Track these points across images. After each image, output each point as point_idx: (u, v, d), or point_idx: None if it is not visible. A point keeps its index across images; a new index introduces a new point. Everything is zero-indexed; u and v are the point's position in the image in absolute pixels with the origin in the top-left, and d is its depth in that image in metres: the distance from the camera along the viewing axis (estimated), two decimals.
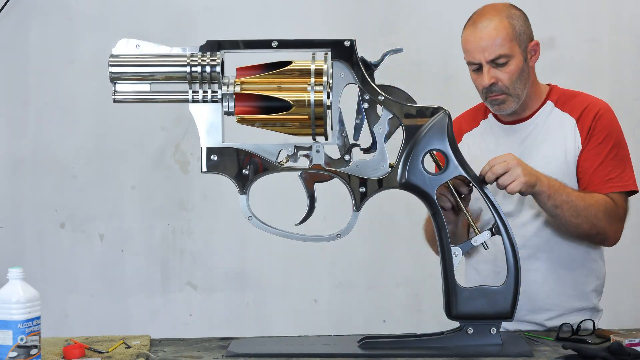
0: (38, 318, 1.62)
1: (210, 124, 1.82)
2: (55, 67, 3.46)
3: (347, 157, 1.83)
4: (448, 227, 1.87)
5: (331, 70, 1.81)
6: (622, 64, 3.50)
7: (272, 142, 1.84)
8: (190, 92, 1.82)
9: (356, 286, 3.52)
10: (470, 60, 2.14)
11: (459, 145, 2.22)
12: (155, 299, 3.50)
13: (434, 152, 1.85)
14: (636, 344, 1.77)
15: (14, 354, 1.58)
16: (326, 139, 1.84)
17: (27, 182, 3.47)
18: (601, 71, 3.49)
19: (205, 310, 3.51)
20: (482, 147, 2.23)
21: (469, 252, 2.26)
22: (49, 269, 3.45)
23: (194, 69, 1.80)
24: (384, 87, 1.84)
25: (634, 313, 3.43)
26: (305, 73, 1.80)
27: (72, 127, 3.47)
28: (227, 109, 1.81)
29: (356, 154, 1.84)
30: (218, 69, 1.80)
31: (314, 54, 1.82)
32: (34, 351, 1.61)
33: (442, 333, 1.87)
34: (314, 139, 1.83)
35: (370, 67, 1.83)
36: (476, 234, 1.87)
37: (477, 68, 2.14)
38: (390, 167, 1.84)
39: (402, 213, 3.37)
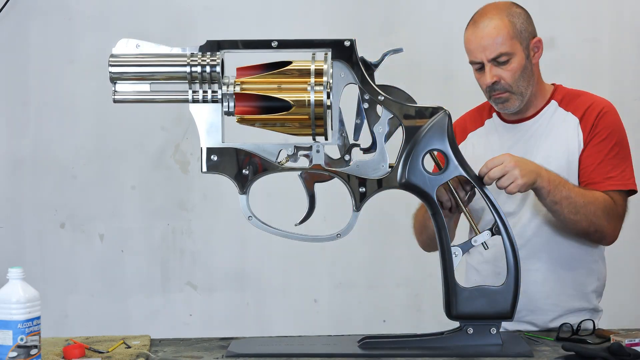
0: (38, 318, 1.62)
1: (210, 124, 1.82)
2: (55, 67, 3.46)
3: (347, 157, 1.83)
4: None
5: (331, 70, 1.81)
6: (623, 63, 3.50)
7: (272, 142, 1.84)
8: (190, 92, 1.82)
9: (356, 286, 3.52)
10: (472, 60, 2.14)
11: (464, 144, 2.24)
12: (155, 299, 3.50)
13: (434, 152, 1.85)
14: (636, 344, 1.77)
15: (14, 354, 1.58)
16: (326, 139, 1.84)
17: (27, 182, 3.47)
18: (601, 71, 3.49)
19: (205, 310, 3.51)
20: (486, 146, 2.23)
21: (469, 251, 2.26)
22: (49, 269, 3.45)
23: (194, 69, 1.80)
24: (384, 87, 1.84)
25: (634, 313, 3.43)
26: (305, 73, 1.80)
27: (72, 127, 3.47)
28: (227, 109, 1.81)
29: (356, 154, 1.84)
30: (218, 69, 1.80)
31: (314, 54, 1.82)
32: (34, 351, 1.61)
33: (442, 333, 1.87)
34: (314, 139, 1.83)
35: (370, 67, 1.83)
36: (476, 234, 1.87)
37: (479, 67, 2.14)
38: (390, 167, 1.83)
39: (402, 213, 3.34)
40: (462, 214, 1.99)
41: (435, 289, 1.94)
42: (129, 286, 3.49)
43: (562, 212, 2.04)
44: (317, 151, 1.83)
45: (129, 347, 1.90)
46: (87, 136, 3.48)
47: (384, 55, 1.84)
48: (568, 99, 2.21)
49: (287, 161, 1.83)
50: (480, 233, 1.86)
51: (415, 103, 1.85)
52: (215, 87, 1.82)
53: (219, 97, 1.81)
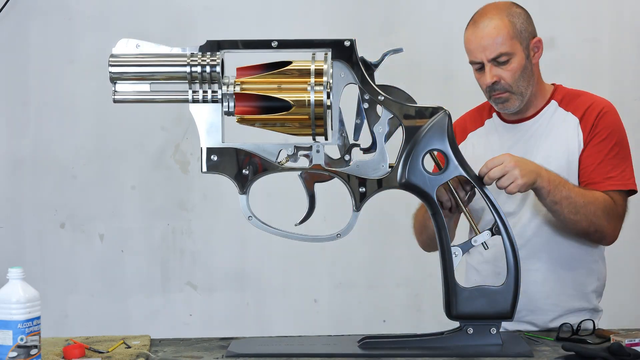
0: (38, 318, 1.62)
1: (210, 124, 1.82)
2: (55, 67, 3.46)
3: (347, 157, 1.83)
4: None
5: (331, 70, 1.81)
6: (623, 63, 3.50)
7: (272, 142, 1.84)
8: (190, 92, 1.82)
9: (356, 286, 3.52)
10: (472, 60, 2.15)
11: (464, 144, 2.24)
12: (155, 299, 3.50)
13: (434, 152, 1.85)
14: (636, 344, 1.77)
15: (14, 354, 1.58)
16: (326, 139, 1.84)
17: (27, 182, 3.47)
18: (601, 71, 3.49)
19: (205, 310, 3.51)
20: (486, 146, 2.23)
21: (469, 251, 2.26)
22: (49, 269, 3.45)
23: (194, 69, 1.80)
24: (384, 87, 1.84)
25: (634, 313, 3.43)
26: (305, 73, 1.80)
27: (72, 127, 3.47)
28: (227, 109, 1.81)
29: (356, 154, 1.84)
30: (218, 69, 1.80)
31: (314, 54, 1.82)
32: (34, 351, 1.61)
33: (442, 333, 1.87)
34: (314, 139, 1.83)
35: (370, 67, 1.83)
36: (476, 234, 1.87)
37: (479, 67, 2.14)
38: (390, 167, 1.83)
39: (402, 213, 3.34)
40: (462, 214, 1.99)
41: (435, 289, 1.94)
42: (129, 286, 3.49)
43: (562, 212, 2.04)
44: (317, 151, 1.83)
45: (129, 347, 1.90)
46: (87, 136, 3.48)
47: (384, 55, 1.84)
48: (568, 99, 2.21)
49: (287, 161, 1.83)
50: (480, 233, 1.86)
51: (415, 103, 1.84)
52: (215, 87, 1.82)
53: (219, 97, 1.81)
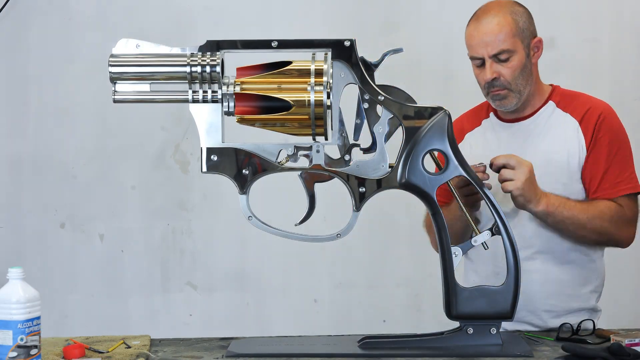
0: (38, 318, 1.62)
1: (210, 124, 1.82)
2: (55, 67, 3.46)
3: (347, 157, 1.83)
4: (457, 224, 1.92)
5: (331, 70, 1.81)
6: (623, 63, 3.50)
7: (272, 142, 1.84)
8: (190, 92, 1.82)
9: (356, 286, 3.52)
10: (473, 55, 2.15)
11: (461, 145, 2.24)
12: (155, 299, 3.50)
13: (434, 152, 1.85)
14: (636, 344, 1.77)
15: (14, 354, 1.58)
16: (326, 139, 1.84)
17: (27, 182, 3.47)
18: (601, 71, 3.49)
19: (205, 310, 3.51)
20: (484, 146, 2.24)
21: (469, 256, 2.26)
22: (49, 269, 3.45)
23: (193, 69, 1.80)
24: (384, 87, 1.84)
25: (634, 313, 3.43)
26: (305, 73, 1.80)
27: (72, 127, 3.47)
28: (227, 109, 1.81)
29: (356, 154, 1.84)
30: (218, 69, 1.80)
31: (314, 54, 1.82)
32: (34, 351, 1.61)
33: (442, 333, 1.87)
34: (314, 139, 1.83)
35: (370, 67, 1.83)
36: (476, 234, 1.87)
37: (480, 63, 2.15)
38: (390, 167, 1.83)
39: (402, 213, 3.37)
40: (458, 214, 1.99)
41: (435, 289, 1.94)
42: (129, 286, 3.49)
43: (567, 230, 2.09)
44: (317, 151, 1.83)
45: (129, 347, 1.90)
46: (87, 136, 3.48)
47: (384, 55, 1.84)
48: (566, 100, 2.22)
49: (287, 161, 1.83)
50: (480, 233, 1.86)
51: (415, 103, 1.85)
52: (215, 87, 1.82)
53: (219, 97, 1.81)
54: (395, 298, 3.51)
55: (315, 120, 1.80)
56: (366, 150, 1.85)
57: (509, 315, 1.83)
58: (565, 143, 2.16)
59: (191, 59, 1.80)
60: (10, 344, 1.58)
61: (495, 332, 1.83)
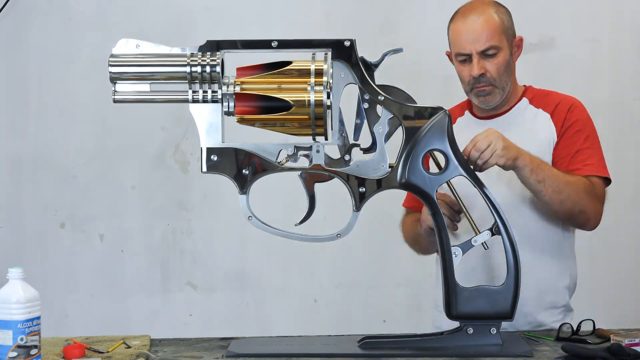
0: (38, 318, 1.62)
1: (210, 124, 1.82)
2: (55, 67, 3.46)
3: (347, 157, 1.83)
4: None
5: (331, 70, 1.81)
6: (623, 63, 3.50)
7: (272, 142, 1.84)
8: (190, 92, 1.82)
9: (356, 286, 3.52)
10: (459, 52, 2.17)
11: None
12: (155, 299, 3.50)
13: (434, 152, 1.85)
14: (636, 344, 1.77)
15: (14, 354, 1.58)
16: (326, 139, 1.84)
17: (27, 182, 3.47)
18: (601, 71, 3.49)
19: (205, 310, 3.51)
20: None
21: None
22: (49, 269, 3.45)
23: (193, 69, 1.80)
24: (384, 87, 1.84)
25: (634, 313, 3.43)
26: (305, 73, 1.80)
27: (72, 127, 3.47)
28: (227, 109, 1.81)
29: (356, 154, 1.84)
30: (218, 69, 1.80)
31: (314, 54, 1.82)
32: (34, 351, 1.61)
33: (442, 333, 1.87)
34: (314, 139, 1.83)
35: (370, 67, 1.83)
36: (476, 234, 1.87)
37: (465, 59, 2.17)
38: (390, 167, 1.83)
39: (402, 213, 3.36)
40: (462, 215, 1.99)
41: (436, 289, 1.94)
42: (129, 286, 3.49)
43: (547, 192, 2.05)
44: (317, 151, 1.83)
45: (129, 347, 1.90)
46: (87, 136, 3.48)
47: (384, 55, 1.84)
48: (538, 97, 2.26)
49: (287, 161, 1.83)
50: (480, 233, 1.86)
51: (415, 103, 1.85)
52: (215, 87, 1.82)
53: (219, 97, 1.81)
54: (395, 298, 3.51)
55: (315, 120, 1.80)
56: (366, 150, 1.85)
57: (509, 315, 1.83)
58: (536, 136, 2.19)
59: (191, 59, 1.80)
60: (10, 344, 1.58)
61: (495, 332, 1.83)
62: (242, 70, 1.83)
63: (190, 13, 3.48)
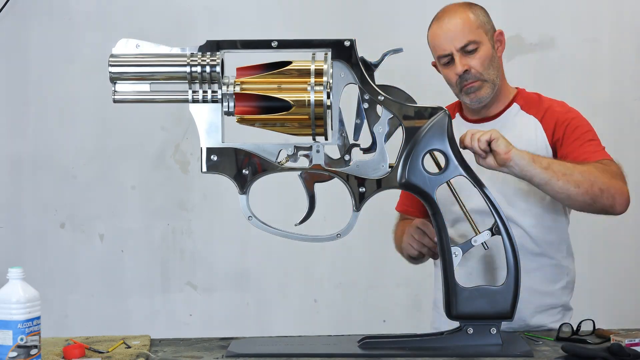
0: (38, 318, 1.62)
1: (210, 124, 1.82)
2: (55, 67, 3.46)
3: (347, 157, 1.83)
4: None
5: (331, 70, 1.81)
6: (623, 63, 3.50)
7: (272, 142, 1.84)
8: (190, 92, 1.82)
9: (356, 286, 3.52)
10: (440, 54, 2.17)
11: None
12: (155, 299, 3.50)
13: (434, 152, 1.85)
14: (636, 344, 1.77)
15: (14, 354, 1.58)
16: (326, 139, 1.84)
17: (27, 182, 3.47)
18: (601, 71, 3.50)
19: (205, 310, 3.51)
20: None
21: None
22: (49, 269, 3.45)
23: (193, 69, 1.80)
24: (384, 87, 1.84)
25: (634, 313, 3.43)
26: (305, 73, 1.80)
27: (72, 127, 3.48)
28: (227, 109, 1.81)
29: (356, 154, 1.84)
30: (218, 69, 1.80)
31: (313, 54, 1.82)
32: (34, 351, 1.61)
33: (442, 333, 1.87)
34: (314, 139, 1.83)
35: (370, 67, 1.83)
36: (476, 234, 1.87)
37: (447, 61, 2.17)
38: (390, 167, 1.83)
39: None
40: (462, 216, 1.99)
41: (434, 289, 1.94)
42: (129, 286, 3.49)
43: (558, 177, 1.96)
44: (317, 151, 1.83)
45: (129, 347, 1.90)
46: (87, 136, 3.48)
47: (384, 55, 1.84)
48: (529, 103, 2.23)
49: (287, 161, 1.83)
50: (480, 233, 1.86)
51: (415, 103, 1.85)
52: (215, 87, 1.82)
53: (219, 97, 1.81)
54: (395, 298, 3.51)
55: (315, 120, 1.80)
56: (366, 150, 1.85)
57: (509, 315, 1.83)
58: (528, 141, 2.14)
59: (191, 59, 1.80)
60: (10, 344, 1.58)
61: (495, 332, 1.83)
62: (242, 70, 1.83)
63: (190, 13, 3.48)
